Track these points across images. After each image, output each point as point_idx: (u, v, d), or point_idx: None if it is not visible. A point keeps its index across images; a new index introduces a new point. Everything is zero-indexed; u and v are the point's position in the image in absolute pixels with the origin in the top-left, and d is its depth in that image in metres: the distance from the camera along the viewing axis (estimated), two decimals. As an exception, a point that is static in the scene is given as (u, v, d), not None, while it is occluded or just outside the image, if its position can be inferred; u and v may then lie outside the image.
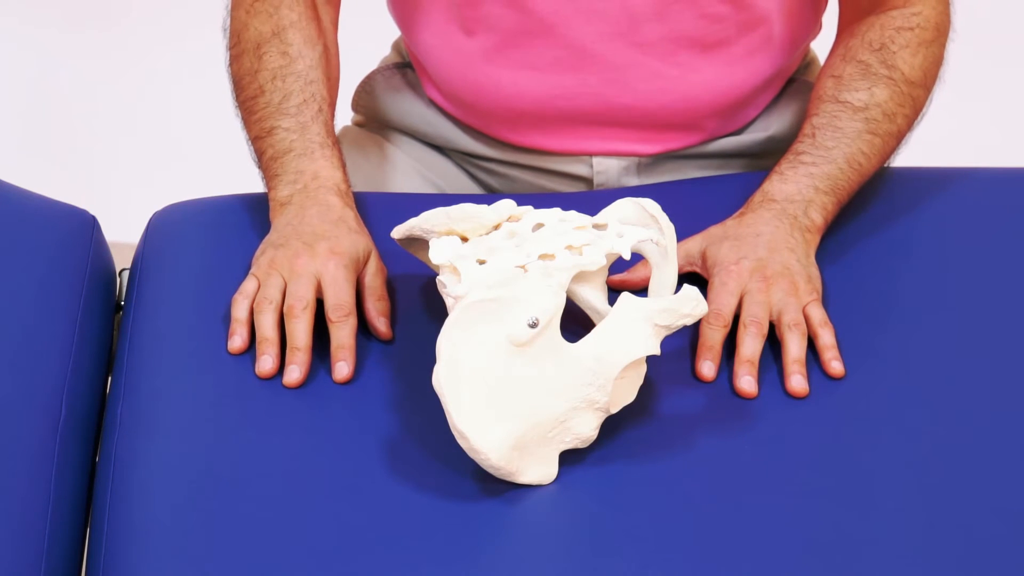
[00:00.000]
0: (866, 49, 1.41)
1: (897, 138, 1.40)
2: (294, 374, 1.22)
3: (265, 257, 1.29)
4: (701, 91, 1.44)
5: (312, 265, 1.26)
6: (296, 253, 1.27)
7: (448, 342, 1.11)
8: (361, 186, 1.51)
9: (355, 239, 1.29)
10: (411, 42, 1.48)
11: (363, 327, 1.27)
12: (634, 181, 1.49)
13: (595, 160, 1.48)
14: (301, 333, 1.23)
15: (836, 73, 1.41)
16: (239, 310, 1.26)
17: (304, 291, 1.25)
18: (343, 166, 1.36)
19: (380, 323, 1.27)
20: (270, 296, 1.25)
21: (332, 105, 1.40)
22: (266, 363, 1.22)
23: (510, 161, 1.51)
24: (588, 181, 1.50)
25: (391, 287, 1.31)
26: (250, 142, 1.39)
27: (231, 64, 1.41)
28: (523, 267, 1.15)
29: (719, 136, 1.49)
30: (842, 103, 1.39)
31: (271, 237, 1.31)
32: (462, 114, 1.50)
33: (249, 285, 1.27)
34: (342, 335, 1.24)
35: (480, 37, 1.43)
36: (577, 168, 1.49)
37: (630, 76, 1.42)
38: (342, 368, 1.23)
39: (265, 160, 1.36)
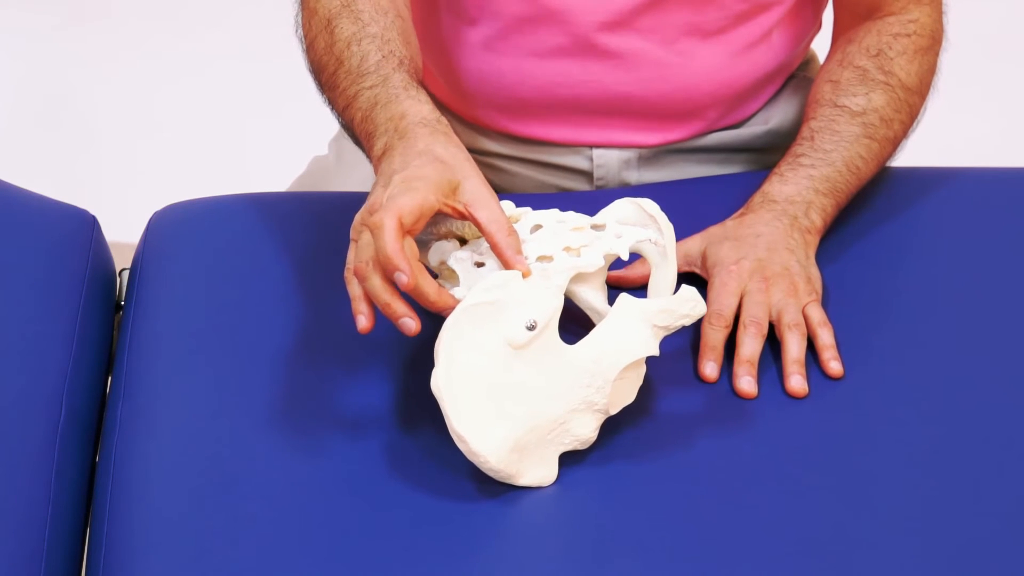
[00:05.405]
0: (863, 55, 1.42)
1: (893, 143, 1.41)
2: (406, 327, 1.13)
3: (357, 216, 1.19)
4: (701, 80, 1.44)
5: (378, 216, 1.15)
6: (371, 206, 1.17)
7: (446, 345, 1.11)
8: (362, 186, 1.51)
9: (430, 171, 1.17)
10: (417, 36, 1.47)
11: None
12: (634, 176, 1.49)
13: (595, 152, 1.49)
14: (379, 292, 1.13)
15: (834, 78, 1.42)
16: (351, 287, 1.16)
17: (369, 251, 1.15)
18: (431, 102, 1.25)
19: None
20: (365, 257, 1.15)
21: (415, 65, 1.30)
22: (361, 321, 1.15)
23: (511, 155, 1.51)
24: (588, 175, 1.50)
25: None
26: (340, 118, 1.31)
27: (307, 54, 1.34)
28: (522, 269, 1.16)
29: (719, 128, 1.50)
30: (840, 107, 1.39)
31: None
32: (464, 107, 1.50)
33: (349, 254, 1.18)
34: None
35: (483, 25, 1.43)
36: (577, 161, 1.49)
37: (632, 63, 1.42)
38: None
39: (356, 126, 1.27)
